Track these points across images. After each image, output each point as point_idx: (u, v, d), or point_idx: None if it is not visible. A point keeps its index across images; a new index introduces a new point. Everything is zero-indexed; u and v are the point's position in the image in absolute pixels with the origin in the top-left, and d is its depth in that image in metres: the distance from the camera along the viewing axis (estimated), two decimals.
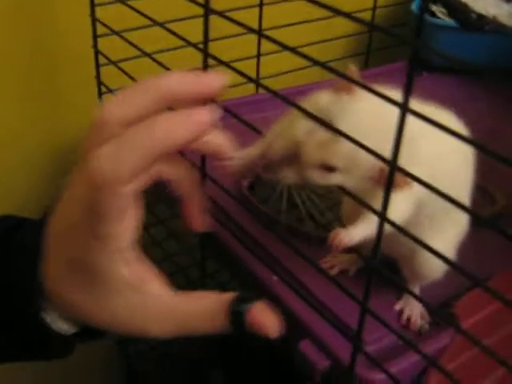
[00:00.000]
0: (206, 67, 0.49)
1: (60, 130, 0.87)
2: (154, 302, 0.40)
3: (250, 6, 0.79)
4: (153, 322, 0.40)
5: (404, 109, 0.32)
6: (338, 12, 0.37)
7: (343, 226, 0.44)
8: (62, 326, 0.43)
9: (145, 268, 0.41)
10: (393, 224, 0.36)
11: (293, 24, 0.83)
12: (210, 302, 0.39)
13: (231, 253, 0.57)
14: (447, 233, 0.51)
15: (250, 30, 0.45)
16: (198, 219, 0.43)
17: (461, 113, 0.51)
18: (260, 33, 0.46)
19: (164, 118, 0.36)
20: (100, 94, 0.77)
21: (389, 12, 1.00)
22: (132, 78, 0.65)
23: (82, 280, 0.39)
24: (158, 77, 0.37)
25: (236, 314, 0.38)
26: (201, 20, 0.47)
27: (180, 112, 0.36)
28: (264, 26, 0.81)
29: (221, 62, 0.47)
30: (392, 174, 0.34)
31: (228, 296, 0.39)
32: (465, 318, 0.51)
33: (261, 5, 0.80)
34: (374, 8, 0.93)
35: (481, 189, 0.69)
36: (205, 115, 0.36)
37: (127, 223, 0.38)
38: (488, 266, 0.55)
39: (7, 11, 0.75)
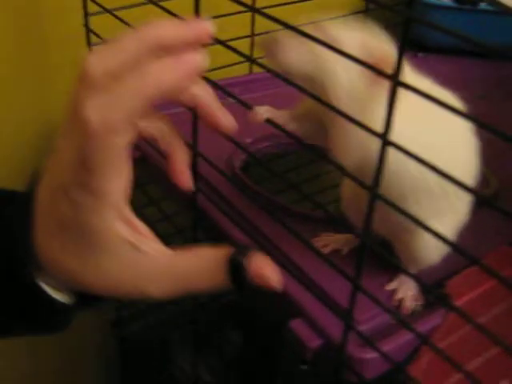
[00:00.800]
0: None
1: (51, 108, 0.87)
2: (150, 260, 0.39)
3: None
4: (150, 282, 0.38)
5: (395, 81, 0.32)
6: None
7: (341, 207, 0.45)
8: (59, 296, 0.42)
9: (139, 227, 0.41)
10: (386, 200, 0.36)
11: (287, 3, 0.82)
12: (208, 257, 0.38)
13: (223, 233, 0.56)
14: (446, 217, 0.50)
15: (245, 6, 0.45)
16: (184, 175, 0.42)
17: (457, 92, 0.51)
18: (254, 9, 0.45)
19: (153, 63, 0.35)
20: None
21: None
22: (125, 23, 0.63)
23: (75, 242, 0.38)
24: (145, 26, 0.36)
25: (236, 267, 0.37)
26: None
27: (169, 57, 0.35)
28: (258, 4, 0.80)
29: (214, 41, 0.46)
30: (384, 148, 0.34)
31: (226, 250, 0.38)
32: (458, 296, 0.51)
33: None
34: None
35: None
36: (194, 58, 0.35)
37: (121, 178, 0.37)
38: (481, 246, 0.54)
39: None
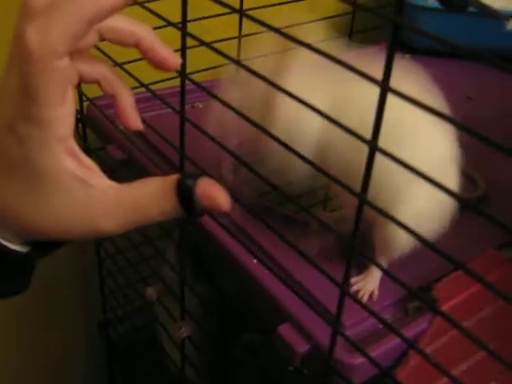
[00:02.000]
0: (184, 48, 0.48)
1: None
2: (99, 194, 0.38)
3: None
4: (103, 218, 0.38)
5: (384, 88, 0.32)
6: None
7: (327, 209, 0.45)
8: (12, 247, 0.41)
9: (84, 160, 0.39)
10: (373, 207, 0.35)
11: (275, 4, 0.82)
12: (157, 185, 0.38)
13: (210, 235, 0.56)
14: (413, 204, 0.50)
15: (232, 9, 0.44)
16: (130, 116, 0.42)
17: (444, 94, 0.51)
18: (241, 12, 0.45)
19: None
20: None
21: None
22: (110, 58, 0.64)
23: (25, 184, 0.37)
24: None
25: (185, 191, 0.37)
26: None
27: None
28: (245, 6, 0.80)
29: (201, 43, 0.45)
30: (372, 154, 0.34)
31: (174, 176, 0.38)
32: (445, 300, 0.51)
33: None
34: None
35: (464, 175, 0.69)
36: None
37: (65, 107, 0.37)
38: (468, 249, 0.54)
39: None
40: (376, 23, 0.97)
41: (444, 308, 0.50)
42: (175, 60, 0.41)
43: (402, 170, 0.45)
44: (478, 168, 0.69)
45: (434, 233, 0.50)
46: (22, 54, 0.34)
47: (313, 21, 0.90)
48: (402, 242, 0.51)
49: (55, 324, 1.05)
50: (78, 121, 0.71)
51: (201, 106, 0.81)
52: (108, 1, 0.35)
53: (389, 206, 0.47)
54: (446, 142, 0.52)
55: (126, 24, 0.41)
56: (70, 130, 0.38)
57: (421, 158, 0.35)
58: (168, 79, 0.67)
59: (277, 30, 0.40)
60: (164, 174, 0.61)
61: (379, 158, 0.42)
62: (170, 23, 0.50)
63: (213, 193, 0.37)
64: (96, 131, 0.72)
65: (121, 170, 0.74)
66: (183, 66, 0.47)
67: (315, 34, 0.48)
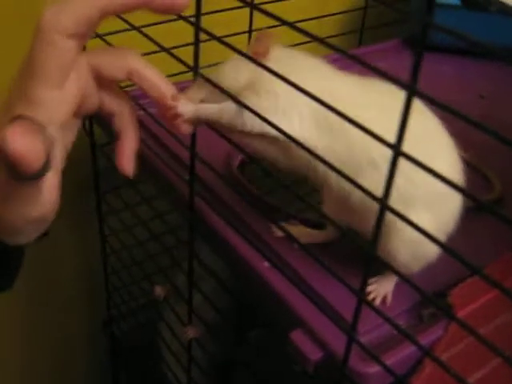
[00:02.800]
0: (197, 42, 0.46)
1: None
2: None
3: None
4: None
5: (411, 91, 0.30)
6: None
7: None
8: None
9: None
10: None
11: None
12: None
13: (220, 236, 0.54)
14: (418, 216, 0.46)
15: (243, 3, 0.43)
16: (127, 161, 0.44)
17: (457, 93, 0.50)
18: (253, 5, 0.44)
19: None
20: None
21: None
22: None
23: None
24: None
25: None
26: None
27: None
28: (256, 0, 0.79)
29: (213, 37, 0.44)
30: (396, 159, 0.32)
31: None
32: (460, 307, 0.50)
33: None
34: None
35: (479, 174, 0.68)
36: None
37: (62, 94, 0.38)
38: (484, 253, 0.53)
39: None
40: (387, 19, 0.96)
41: (460, 314, 0.49)
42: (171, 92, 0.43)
43: (404, 192, 0.44)
44: (493, 169, 0.68)
45: (434, 255, 0.49)
46: (35, 28, 0.37)
47: (324, 15, 0.89)
48: (404, 261, 0.49)
49: (59, 321, 1.05)
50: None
51: None
52: None
53: (390, 226, 0.46)
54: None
55: (151, 75, 0.42)
56: (59, 117, 0.39)
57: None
58: (180, 73, 0.65)
59: (288, 24, 0.39)
60: (173, 171, 0.60)
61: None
62: (182, 17, 0.48)
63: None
64: (103, 126, 0.70)
65: None
66: (196, 60, 0.46)
67: None
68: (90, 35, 0.40)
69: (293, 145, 0.43)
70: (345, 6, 0.97)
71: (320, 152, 0.40)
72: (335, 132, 0.45)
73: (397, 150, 0.32)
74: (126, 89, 0.49)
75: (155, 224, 0.82)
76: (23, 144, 0.33)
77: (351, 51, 0.95)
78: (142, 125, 0.67)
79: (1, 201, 0.39)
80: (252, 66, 0.42)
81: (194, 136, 0.49)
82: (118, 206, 0.83)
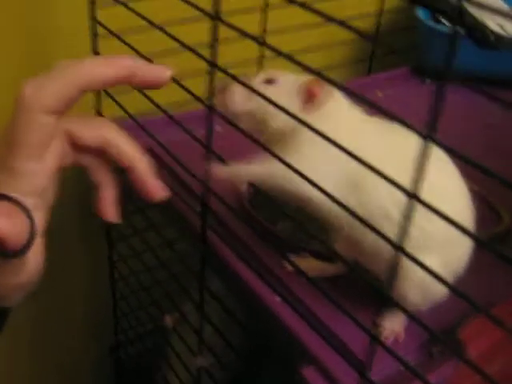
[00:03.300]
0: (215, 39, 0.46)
1: None
2: None
3: (253, 11, 0.76)
4: None
5: (429, 139, 0.30)
6: (342, 24, 0.38)
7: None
8: None
9: None
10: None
11: (296, 29, 0.81)
12: None
13: (231, 269, 0.54)
14: (428, 258, 0.45)
15: (253, 39, 0.43)
16: (109, 208, 0.44)
17: (463, 122, 0.50)
18: (263, 42, 0.44)
19: (90, 58, 0.40)
20: None
21: (394, 16, 0.98)
22: (136, 52, 0.60)
23: None
24: (78, 64, 0.40)
25: None
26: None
27: (106, 56, 0.41)
28: (267, 30, 0.79)
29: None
30: (412, 204, 0.33)
31: None
32: (470, 344, 0.49)
33: (265, 9, 0.78)
34: (381, 13, 0.91)
35: (488, 206, 0.68)
36: (127, 60, 0.41)
37: (41, 166, 0.39)
38: (496, 291, 0.53)
39: None
40: (397, 47, 0.96)
41: (470, 352, 0.49)
42: (160, 193, 0.44)
43: (413, 236, 0.44)
44: (502, 200, 0.68)
45: (444, 295, 0.49)
46: (15, 103, 0.38)
47: (334, 44, 0.90)
48: (413, 300, 0.49)
49: (66, 345, 1.04)
50: None
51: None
52: (101, 75, 0.39)
53: (400, 267, 0.45)
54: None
55: (128, 149, 0.43)
56: (40, 186, 0.40)
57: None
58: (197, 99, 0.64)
59: (294, 61, 0.39)
60: (184, 202, 0.60)
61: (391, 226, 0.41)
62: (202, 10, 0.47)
63: None
64: None
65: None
66: (213, 56, 0.46)
67: None
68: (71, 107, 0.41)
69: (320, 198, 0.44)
70: (355, 35, 0.97)
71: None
72: (359, 188, 0.46)
73: (413, 198, 0.32)
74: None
75: (164, 251, 0.82)
76: (3, 225, 0.34)
77: (361, 79, 0.96)
78: (152, 154, 0.68)
79: None
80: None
81: (207, 170, 0.50)
82: (128, 232, 0.83)
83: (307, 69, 0.38)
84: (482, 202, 0.67)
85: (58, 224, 0.49)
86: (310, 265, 0.55)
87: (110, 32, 0.66)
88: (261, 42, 0.45)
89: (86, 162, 0.44)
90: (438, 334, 0.49)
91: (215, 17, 0.44)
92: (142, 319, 0.93)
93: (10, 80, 0.76)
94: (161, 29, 0.55)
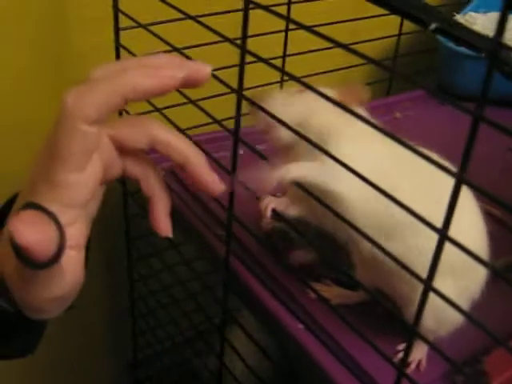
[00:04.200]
0: (242, 64, 0.45)
1: None
2: None
3: (275, 32, 0.77)
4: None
5: (459, 178, 0.31)
6: (359, 55, 0.38)
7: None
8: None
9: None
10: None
11: (316, 50, 0.81)
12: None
13: (254, 295, 0.54)
14: (443, 283, 0.43)
15: (273, 67, 0.44)
16: (164, 223, 0.43)
17: (484, 145, 0.50)
18: (283, 72, 0.45)
19: (134, 69, 0.39)
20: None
21: (413, 37, 0.98)
22: (162, 39, 0.58)
23: None
24: (123, 72, 0.39)
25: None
26: None
27: (151, 65, 0.40)
28: (288, 51, 0.80)
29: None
30: (441, 243, 0.33)
31: None
32: (495, 374, 0.49)
33: (286, 30, 0.79)
34: (399, 35, 0.92)
35: (510, 231, 0.67)
36: (172, 72, 0.39)
37: (84, 176, 0.38)
38: None
39: None
40: (417, 67, 0.97)
41: (495, 383, 0.48)
42: (217, 187, 0.43)
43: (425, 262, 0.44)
44: None
45: (459, 321, 0.49)
46: (58, 112, 0.38)
47: (353, 66, 0.90)
48: (428, 326, 0.49)
49: (83, 362, 1.05)
50: None
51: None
52: (145, 83, 0.38)
53: (413, 295, 0.46)
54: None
55: (178, 142, 0.42)
56: (82, 199, 0.39)
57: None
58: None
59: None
60: (208, 228, 0.60)
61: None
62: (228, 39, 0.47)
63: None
64: None
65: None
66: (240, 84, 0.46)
67: None
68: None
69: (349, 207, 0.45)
70: (373, 57, 0.97)
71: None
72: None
73: (443, 234, 0.32)
74: None
75: (182, 269, 0.82)
76: (29, 234, 0.33)
77: (380, 100, 0.95)
78: (175, 177, 0.68)
79: (19, 284, 0.39)
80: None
81: (231, 196, 0.50)
82: (147, 252, 0.84)
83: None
84: (502, 226, 0.66)
85: None
86: (333, 292, 0.55)
87: (135, 21, 0.63)
88: (281, 70, 0.45)
89: (137, 172, 0.43)
90: (461, 365, 0.49)
91: (242, 47, 0.44)
92: (159, 337, 0.93)
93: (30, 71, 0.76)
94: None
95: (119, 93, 0.38)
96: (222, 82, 0.48)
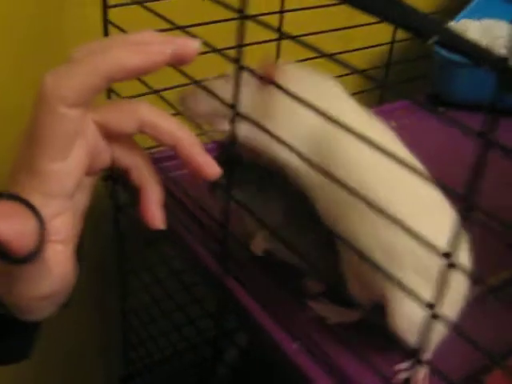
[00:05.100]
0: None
1: None
2: None
3: (268, 41, 0.76)
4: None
5: (467, 207, 0.29)
6: (351, 68, 0.37)
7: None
8: None
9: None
10: None
11: (308, 59, 0.80)
12: None
13: (248, 313, 0.53)
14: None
15: (276, 85, 0.42)
16: (153, 214, 0.41)
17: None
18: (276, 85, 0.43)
19: (119, 46, 0.37)
20: None
21: (406, 44, 0.97)
22: (156, 14, 0.54)
23: None
24: (107, 50, 0.37)
25: None
26: None
27: (132, 37, 0.38)
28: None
29: None
30: (448, 269, 0.32)
31: None
32: None
33: (279, 39, 0.78)
34: (392, 42, 0.91)
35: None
36: (159, 48, 0.37)
37: (67, 165, 0.36)
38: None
39: None
40: (410, 74, 0.95)
41: None
42: (212, 169, 0.40)
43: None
44: None
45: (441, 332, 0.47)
46: (36, 96, 0.35)
47: (345, 74, 0.89)
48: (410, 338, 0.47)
49: (75, 380, 1.04)
50: (107, 178, 0.69)
51: None
52: (129, 62, 0.36)
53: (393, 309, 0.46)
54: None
55: (167, 124, 0.39)
56: (67, 188, 0.37)
57: None
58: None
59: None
60: (202, 244, 0.58)
61: None
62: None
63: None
64: (126, 189, 0.70)
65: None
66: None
67: None
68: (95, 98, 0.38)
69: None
70: (366, 64, 0.97)
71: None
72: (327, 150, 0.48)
73: (449, 261, 0.31)
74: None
75: (173, 282, 0.81)
76: (6, 227, 0.31)
77: (374, 108, 0.95)
78: (166, 192, 0.67)
79: (3, 281, 0.36)
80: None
81: (226, 213, 0.49)
82: (138, 267, 0.83)
83: None
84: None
85: None
86: (331, 310, 0.54)
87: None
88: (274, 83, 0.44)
89: (127, 161, 0.41)
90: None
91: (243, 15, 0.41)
92: (151, 350, 0.92)
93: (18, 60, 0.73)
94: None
95: (100, 72, 0.35)
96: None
